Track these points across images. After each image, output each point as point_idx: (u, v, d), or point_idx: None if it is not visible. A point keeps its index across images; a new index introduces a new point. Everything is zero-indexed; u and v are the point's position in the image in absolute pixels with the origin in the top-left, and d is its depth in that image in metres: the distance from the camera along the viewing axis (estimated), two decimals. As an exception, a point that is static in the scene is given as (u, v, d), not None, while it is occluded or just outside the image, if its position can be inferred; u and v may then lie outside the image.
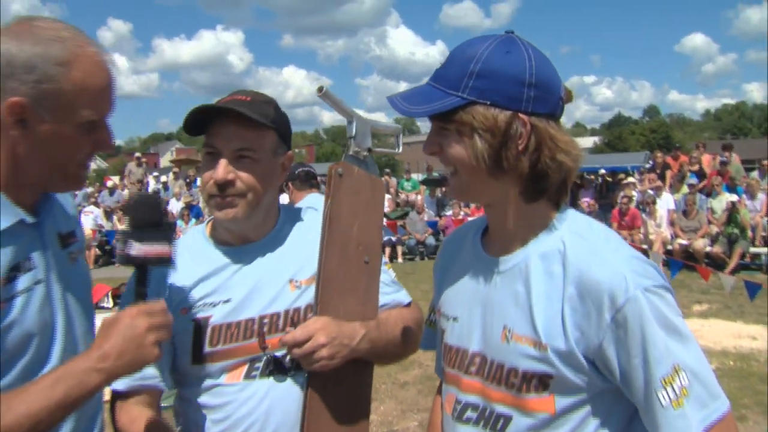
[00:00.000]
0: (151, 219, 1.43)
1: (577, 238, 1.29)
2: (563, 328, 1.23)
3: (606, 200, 15.78)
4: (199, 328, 1.65)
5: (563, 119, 1.34)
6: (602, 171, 17.59)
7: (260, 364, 1.66)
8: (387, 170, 21.33)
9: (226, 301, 1.66)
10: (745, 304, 8.43)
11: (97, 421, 1.58)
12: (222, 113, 1.63)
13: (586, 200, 15.46)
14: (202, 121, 1.66)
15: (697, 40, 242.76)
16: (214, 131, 1.65)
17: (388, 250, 14.85)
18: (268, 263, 1.72)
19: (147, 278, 1.45)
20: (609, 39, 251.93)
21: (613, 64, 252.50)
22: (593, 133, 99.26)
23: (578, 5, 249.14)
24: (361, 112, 1.72)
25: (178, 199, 16.77)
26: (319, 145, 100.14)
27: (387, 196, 16.97)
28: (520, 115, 1.25)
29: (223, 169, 1.61)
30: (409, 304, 1.86)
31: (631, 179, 16.14)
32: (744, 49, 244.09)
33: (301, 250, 1.74)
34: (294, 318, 1.68)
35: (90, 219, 15.73)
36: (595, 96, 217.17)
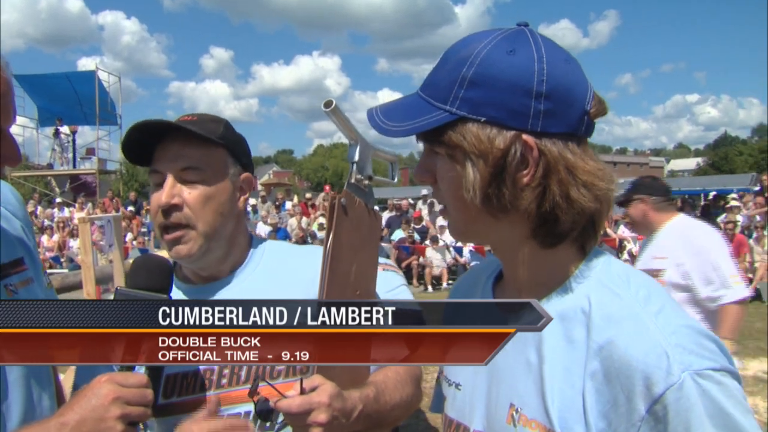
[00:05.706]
0: (147, 284, 1.26)
1: (607, 295, 0.97)
2: (584, 415, 0.91)
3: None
4: (152, 377, 1.43)
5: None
6: (712, 194, 16.61)
7: None
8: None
9: None
10: None
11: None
12: (164, 134, 1.49)
13: (685, 225, 14.52)
14: (148, 151, 1.52)
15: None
16: (157, 155, 1.51)
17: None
18: None
19: None
20: (714, 55, 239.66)
21: (719, 82, 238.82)
22: (697, 154, 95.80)
23: (680, 22, 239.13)
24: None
25: (266, 223, 16.95)
26: (414, 169, 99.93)
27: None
28: (524, 136, 0.95)
29: (167, 190, 1.45)
30: None
31: (735, 203, 15.07)
32: None
33: (273, 293, 1.45)
34: (259, 372, 1.44)
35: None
36: (699, 115, 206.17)
